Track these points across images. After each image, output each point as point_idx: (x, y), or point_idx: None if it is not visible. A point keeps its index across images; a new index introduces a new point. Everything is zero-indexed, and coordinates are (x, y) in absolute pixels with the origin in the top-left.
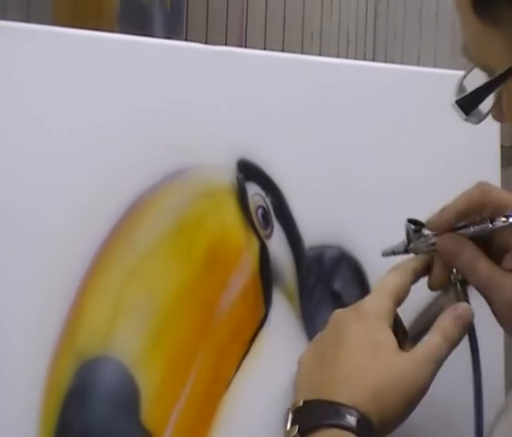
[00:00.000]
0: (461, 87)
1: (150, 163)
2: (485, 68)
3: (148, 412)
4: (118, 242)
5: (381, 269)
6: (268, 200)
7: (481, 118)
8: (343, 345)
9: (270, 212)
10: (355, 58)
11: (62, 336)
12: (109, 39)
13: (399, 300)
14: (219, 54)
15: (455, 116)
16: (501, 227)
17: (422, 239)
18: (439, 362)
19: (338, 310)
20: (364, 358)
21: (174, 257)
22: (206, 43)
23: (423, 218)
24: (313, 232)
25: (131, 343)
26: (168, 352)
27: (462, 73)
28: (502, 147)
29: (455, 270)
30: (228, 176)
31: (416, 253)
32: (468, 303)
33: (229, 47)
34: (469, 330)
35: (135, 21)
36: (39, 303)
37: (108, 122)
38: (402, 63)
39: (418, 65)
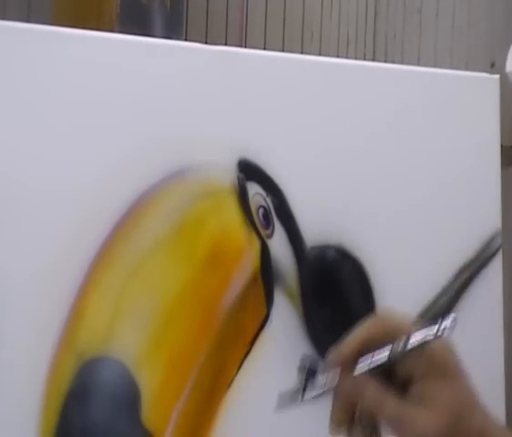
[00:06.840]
0: None
1: (150, 163)
2: None
3: (149, 412)
4: (119, 242)
5: (382, 269)
6: (269, 200)
7: None
8: None
9: (271, 212)
10: (355, 58)
11: (62, 336)
12: (109, 39)
13: None
14: (219, 54)
15: (455, 115)
16: (400, 353)
17: (319, 383)
18: None
19: None
20: None
21: (175, 257)
22: (206, 43)
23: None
24: (315, 232)
25: (132, 343)
26: (169, 352)
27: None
28: (502, 147)
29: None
30: (228, 176)
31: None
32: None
33: (229, 47)
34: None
35: (135, 21)
36: (40, 303)
37: (108, 122)
38: (402, 63)
39: (418, 65)
